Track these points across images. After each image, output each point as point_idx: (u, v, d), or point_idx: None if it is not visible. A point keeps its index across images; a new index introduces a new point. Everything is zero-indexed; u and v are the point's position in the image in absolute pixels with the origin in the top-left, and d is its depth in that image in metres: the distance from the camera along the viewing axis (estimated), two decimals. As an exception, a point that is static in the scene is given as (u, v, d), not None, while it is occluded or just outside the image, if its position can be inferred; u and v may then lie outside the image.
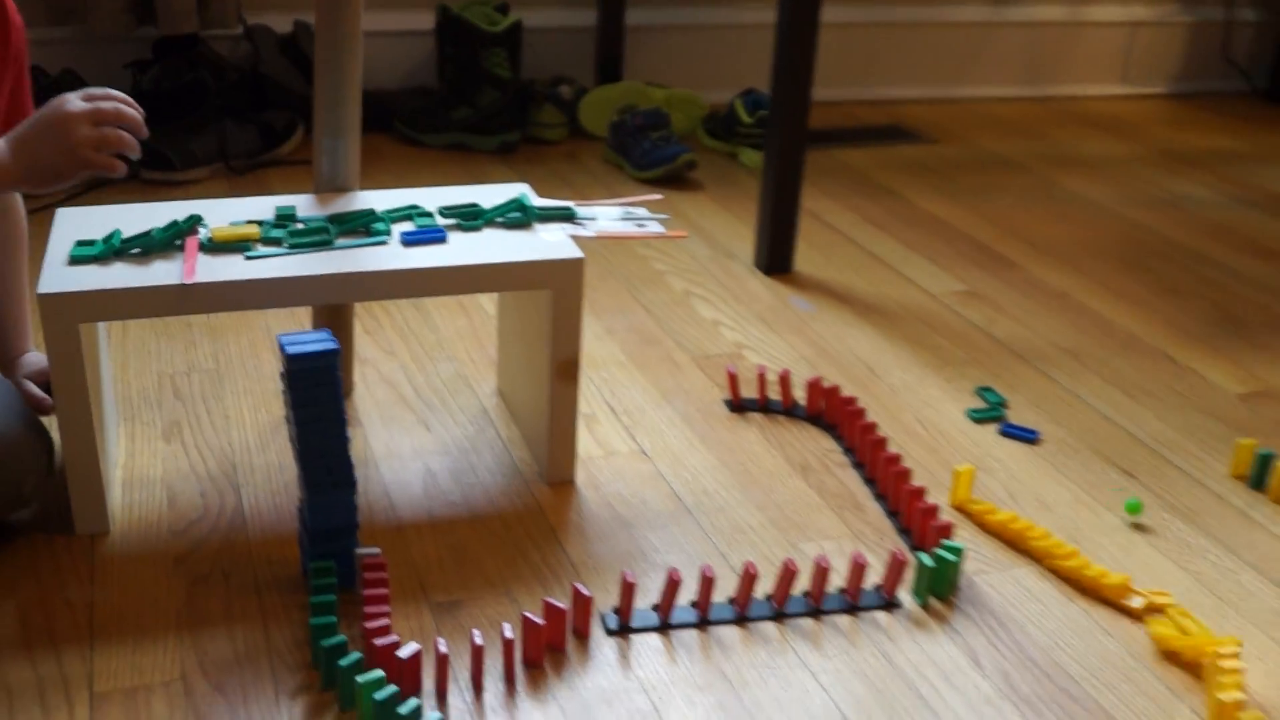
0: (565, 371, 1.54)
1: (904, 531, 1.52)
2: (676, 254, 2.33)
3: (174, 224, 1.47)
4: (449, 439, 1.70)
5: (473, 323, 2.03)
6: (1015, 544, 1.51)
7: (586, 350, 1.94)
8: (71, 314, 1.36)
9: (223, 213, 1.56)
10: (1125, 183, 2.88)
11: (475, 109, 2.85)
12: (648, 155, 2.71)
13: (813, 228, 2.46)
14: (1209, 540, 1.56)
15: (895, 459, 1.58)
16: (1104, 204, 2.73)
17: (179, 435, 1.68)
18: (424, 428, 1.72)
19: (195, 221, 1.49)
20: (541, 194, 2.25)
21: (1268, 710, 1.28)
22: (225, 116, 2.66)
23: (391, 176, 2.62)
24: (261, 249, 1.47)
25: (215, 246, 1.46)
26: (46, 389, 1.61)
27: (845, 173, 2.85)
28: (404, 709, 1.17)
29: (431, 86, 3.04)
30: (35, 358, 1.67)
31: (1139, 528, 1.57)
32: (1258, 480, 1.67)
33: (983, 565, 1.48)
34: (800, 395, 1.81)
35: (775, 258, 2.25)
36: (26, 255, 1.67)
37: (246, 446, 1.66)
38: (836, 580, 1.43)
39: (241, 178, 2.65)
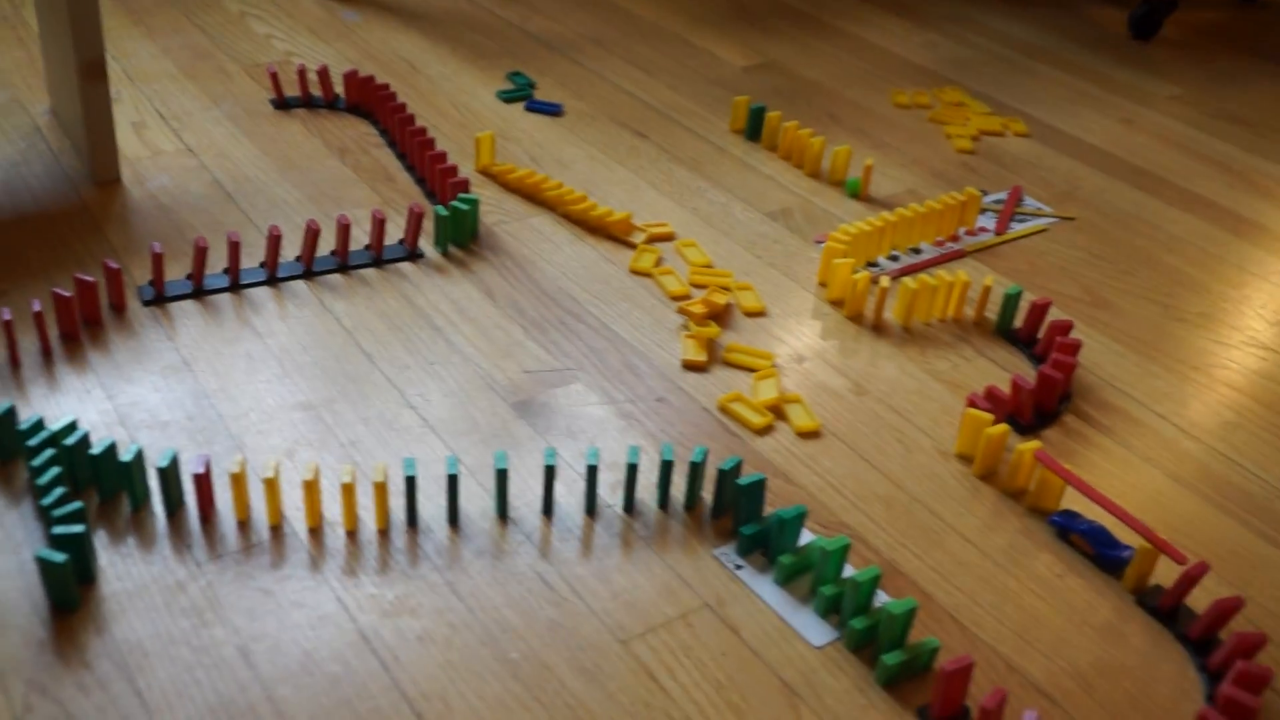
0: (91, 71, 1.44)
1: (430, 195, 1.50)
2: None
3: None
4: (0, 158, 1.57)
5: (30, 54, 1.87)
6: (532, 196, 1.52)
7: (139, 67, 1.82)
8: None
9: None
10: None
11: None
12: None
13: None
14: (708, 182, 1.60)
15: (421, 131, 1.55)
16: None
17: None
18: (-30, 147, 1.59)
19: None
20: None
21: (749, 321, 1.34)
22: None
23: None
24: None
25: None
26: None
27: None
28: (-78, 380, 1.09)
29: None
30: None
31: (646, 178, 1.59)
32: (753, 132, 1.71)
33: (502, 217, 1.48)
34: (341, 91, 1.75)
35: (329, -24, 2.15)
36: None
37: None
38: (363, 239, 1.40)
39: None
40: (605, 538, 1.03)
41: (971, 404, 1.19)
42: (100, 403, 1.15)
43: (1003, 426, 1.14)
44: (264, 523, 1.02)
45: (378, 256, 1.36)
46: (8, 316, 1.19)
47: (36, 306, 1.20)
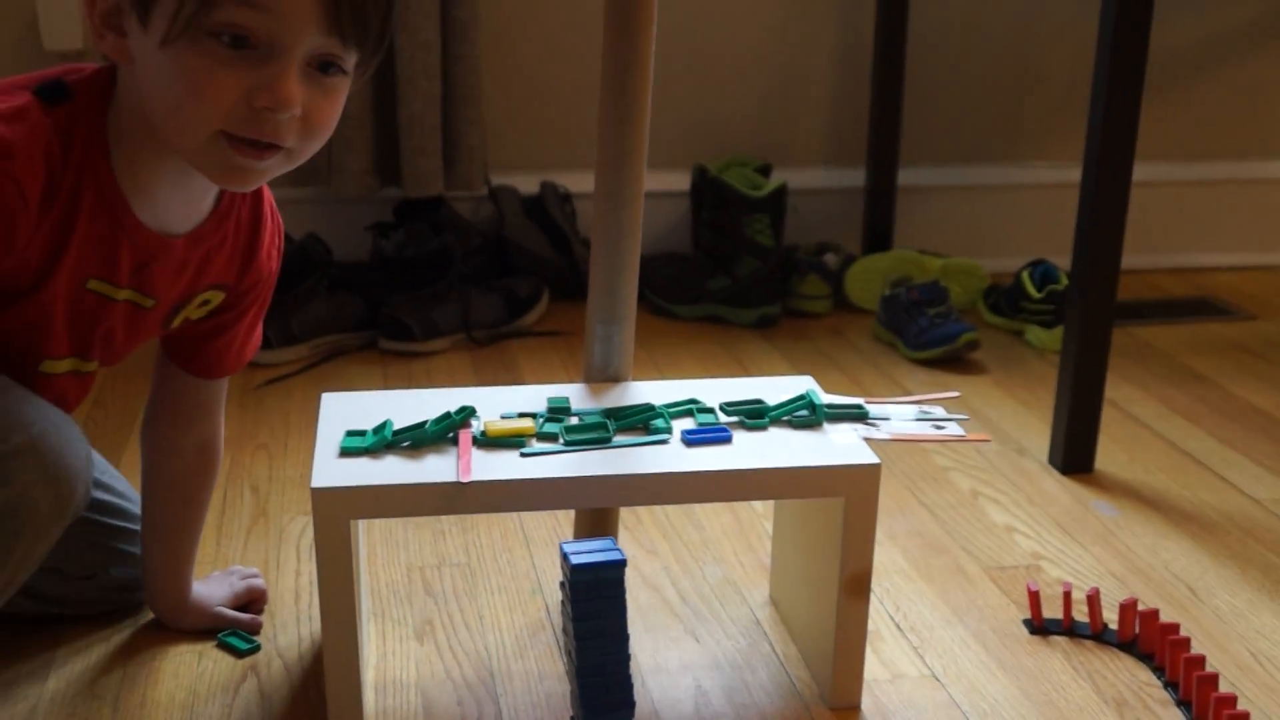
0: (855, 587, 1.60)
1: (1240, 788, 1.52)
2: (961, 448, 2.37)
3: (447, 416, 1.58)
4: (720, 653, 1.76)
5: (739, 521, 2.09)
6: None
7: (867, 557, 1.99)
8: (344, 510, 1.47)
9: (492, 402, 1.66)
10: None
11: (733, 279, 2.96)
12: (925, 333, 2.77)
13: (1114, 419, 2.48)
14: None
15: (1230, 701, 1.58)
16: None
17: (432, 635, 1.77)
18: (693, 639, 1.78)
19: (468, 414, 1.59)
20: (804, 371, 2.33)
21: None
22: (469, 284, 2.82)
23: (643, 351, 2.72)
24: (537, 445, 1.57)
25: (489, 441, 1.57)
26: (241, 609, 1.79)
27: (1148, 354, 2.87)
28: None
29: (685, 253, 3.16)
30: (214, 587, 1.81)
31: None
32: None
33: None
34: (1111, 617, 1.82)
35: (1074, 455, 2.28)
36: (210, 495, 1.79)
37: (503, 651, 1.74)
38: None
39: (484, 349, 2.80)
40: None
41: None
42: None
43: None
44: None
45: None
46: None
47: None
